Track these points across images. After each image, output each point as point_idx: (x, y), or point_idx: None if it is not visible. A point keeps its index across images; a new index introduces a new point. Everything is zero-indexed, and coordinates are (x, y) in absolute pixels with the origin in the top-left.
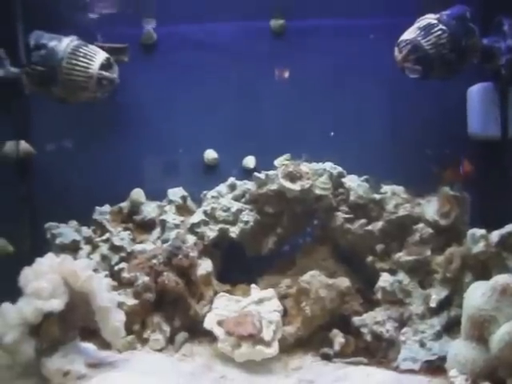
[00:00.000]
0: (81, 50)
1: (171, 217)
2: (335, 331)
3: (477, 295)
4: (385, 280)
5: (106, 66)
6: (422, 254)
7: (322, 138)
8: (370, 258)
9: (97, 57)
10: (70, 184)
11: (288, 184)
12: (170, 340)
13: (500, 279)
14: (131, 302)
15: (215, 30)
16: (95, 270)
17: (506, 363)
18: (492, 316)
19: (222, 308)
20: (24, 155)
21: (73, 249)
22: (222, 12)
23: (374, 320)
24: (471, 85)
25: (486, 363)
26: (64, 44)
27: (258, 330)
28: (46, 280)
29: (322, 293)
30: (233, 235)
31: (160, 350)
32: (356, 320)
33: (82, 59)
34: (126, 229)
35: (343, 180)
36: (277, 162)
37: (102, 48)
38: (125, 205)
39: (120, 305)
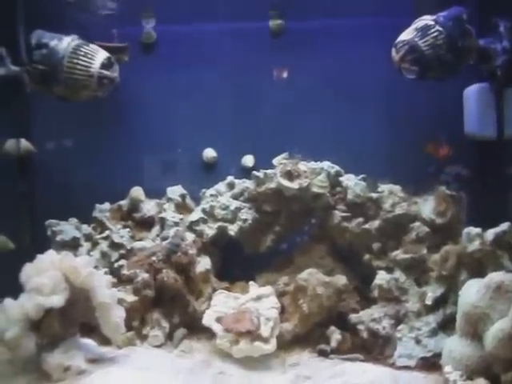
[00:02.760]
0: (82, 49)
1: (170, 215)
2: (332, 328)
3: (471, 292)
4: (381, 278)
5: (106, 65)
6: (418, 252)
7: (320, 137)
8: (366, 256)
9: (97, 56)
10: (70, 182)
11: (286, 182)
12: (169, 336)
13: (494, 277)
14: (131, 298)
15: (214, 30)
16: (95, 267)
17: (499, 359)
18: (486, 313)
19: (221, 305)
20: (24, 153)
21: (73, 246)
22: (220, 12)
23: (371, 317)
24: (468, 85)
25: (480, 359)
26: (65, 43)
27: (256, 326)
28: (47, 276)
29: (320, 290)
30: (231, 233)
31: (159, 346)
32: (353, 317)
33: (82, 58)
34: (125, 226)
35: (341, 179)
36: (275, 161)
37: (103, 47)
38: (124, 203)
39: (120, 301)
